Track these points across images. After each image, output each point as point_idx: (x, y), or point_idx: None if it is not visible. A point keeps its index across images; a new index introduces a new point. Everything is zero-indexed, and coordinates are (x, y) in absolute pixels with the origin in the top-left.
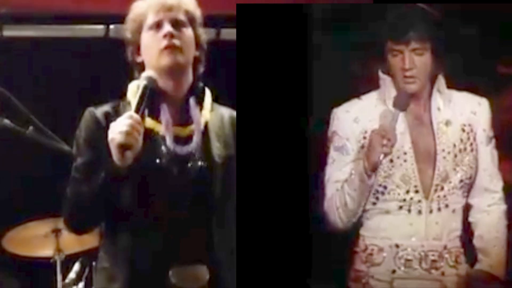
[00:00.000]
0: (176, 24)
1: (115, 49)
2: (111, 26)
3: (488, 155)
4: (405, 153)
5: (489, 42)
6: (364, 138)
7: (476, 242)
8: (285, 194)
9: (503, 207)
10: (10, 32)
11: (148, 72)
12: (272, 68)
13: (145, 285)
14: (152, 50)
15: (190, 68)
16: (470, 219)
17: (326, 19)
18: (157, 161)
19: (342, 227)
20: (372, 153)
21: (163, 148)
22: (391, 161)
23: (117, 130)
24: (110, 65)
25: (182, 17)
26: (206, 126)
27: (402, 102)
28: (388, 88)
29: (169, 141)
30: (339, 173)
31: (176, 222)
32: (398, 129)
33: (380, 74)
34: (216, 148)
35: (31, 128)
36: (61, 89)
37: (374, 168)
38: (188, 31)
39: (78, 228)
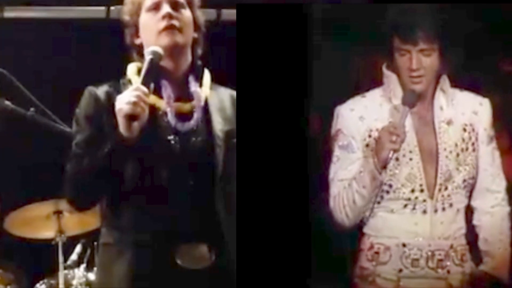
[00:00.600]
0: (175, 5)
1: (116, 30)
2: (112, 8)
3: (488, 155)
4: (410, 152)
5: (493, 40)
6: (370, 136)
7: (481, 244)
8: (285, 194)
9: (506, 208)
10: (11, 13)
11: (154, 47)
12: (272, 68)
13: (151, 262)
14: (151, 31)
15: (189, 49)
16: (474, 222)
17: (326, 19)
18: (159, 136)
19: (348, 225)
20: (381, 149)
21: (165, 123)
22: (397, 159)
23: (124, 101)
24: (111, 46)
25: None
26: (206, 102)
27: (411, 99)
28: (393, 85)
29: (170, 116)
30: (345, 172)
31: (180, 198)
32: (405, 128)
33: (385, 70)
34: (218, 123)
35: (32, 109)
36: (62, 71)
37: (384, 165)
38: (187, 13)
39: (82, 204)
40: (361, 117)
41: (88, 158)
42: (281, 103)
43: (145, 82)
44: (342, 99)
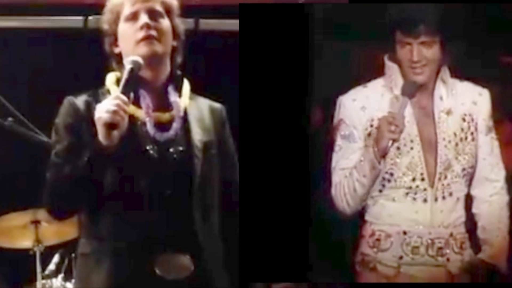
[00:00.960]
0: (153, 14)
1: (93, 39)
2: (90, 17)
3: (487, 144)
4: (411, 141)
5: (493, 32)
6: (371, 126)
7: (479, 233)
8: (286, 190)
9: (505, 197)
10: None
11: (134, 57)
12: (274, 67)
13: (130, 271)
14: (129, 41)
15: (167, 59)
16: (474, 210)
17: (327, 19)
18: (138, 146)
19: (349, 213)
20: (381, 139)
21: (143, 133)
22: (398, 148)
23: (103, 109)
24: (88, 55)
25: (158, 7)
26: (185, 112)
27: (411, 90)
28: (394, 75)
29: (149, 126)
30: (347, 161)
31: (158, 207)
32: (405, 118)
33: (386, 61)
34: (197, 133)
35: (10, 119)
36: (40, 80)
37: (383, 154)
38: (165, 22)
39: (61, 213)
40: (363, 107)
41: (68, 167)
42: (282, 101)
43: (124, 91)
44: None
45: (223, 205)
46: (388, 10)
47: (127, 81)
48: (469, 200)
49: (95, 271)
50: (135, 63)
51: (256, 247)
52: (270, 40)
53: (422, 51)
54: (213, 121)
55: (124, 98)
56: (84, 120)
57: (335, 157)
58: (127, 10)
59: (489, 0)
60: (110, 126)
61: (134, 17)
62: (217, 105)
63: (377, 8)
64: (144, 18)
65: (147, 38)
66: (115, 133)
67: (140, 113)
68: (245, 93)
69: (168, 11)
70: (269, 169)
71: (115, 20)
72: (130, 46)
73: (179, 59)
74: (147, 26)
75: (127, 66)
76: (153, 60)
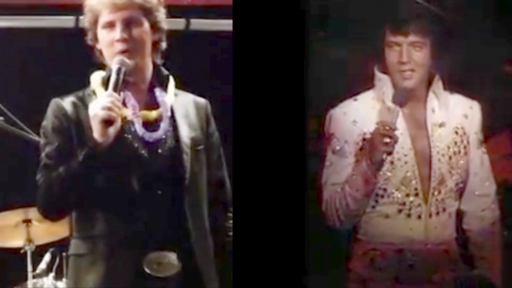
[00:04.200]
0: (129, 23)
1: (85, 39)
2: (81, 17)
3: (479, 158)
4: (405, 155)
5: (494, 41)
6: (364, 139)
7: (472, 249)
8: (281, 195)
9: (497, 212)
10: None
11: (120, 57)
12: (268, 64)
13: (124, 272)
14: (107, 49)
15: (149, 59)
16: (464, 226)
17: (323, 15)
18: (127, 145)
19: (341, 228)
20: (374, 152)
21: (132, 133)
22: (392, 163)
23: (99, 107)
24: (80, 55)
25: (135, 14)
26: (171, 109)
27: (401, 97)
28: (385, 86)
29: (138, 127)
30: (338, 176)
31: (150, 206)
32: (398, 130)
33: (377, 72)
34: (184, 130)
35: (0, 118)
36: (31, 80)
37: (378, 168)
38: (142, 28)
39: (56, 214)
40: (354, 121)
41: (62, 167)
42: (277, 99)
43: (114, 90)
44: (339, 96)
45: (212, 201)
46: (378, 7)
47: (117, 80)
48: (459, 215)
49: (89, 272)
50: (121, 61)
51: (251, 251)
52: (265, 36)
53: (411, 52)
54: (199, 117)
55: (117, 95)
56: (72, 122)
57: (326, 173)
58: (104, 18)
59: None
60: (106, 122)
61: (110, 25)
62: (202, 100)
63: (375, 5)
64: (119, 31)
65: (124, 52)
66: (111, 130)
67: (127, 113)
68: (238, 90)
69: (147, 13)
70: (264, 170)
71: (94, 22)
72: (109, 54)
73: (162, 48)
74: (123, 40)
75: (114, 66)
76: (132, 69)
